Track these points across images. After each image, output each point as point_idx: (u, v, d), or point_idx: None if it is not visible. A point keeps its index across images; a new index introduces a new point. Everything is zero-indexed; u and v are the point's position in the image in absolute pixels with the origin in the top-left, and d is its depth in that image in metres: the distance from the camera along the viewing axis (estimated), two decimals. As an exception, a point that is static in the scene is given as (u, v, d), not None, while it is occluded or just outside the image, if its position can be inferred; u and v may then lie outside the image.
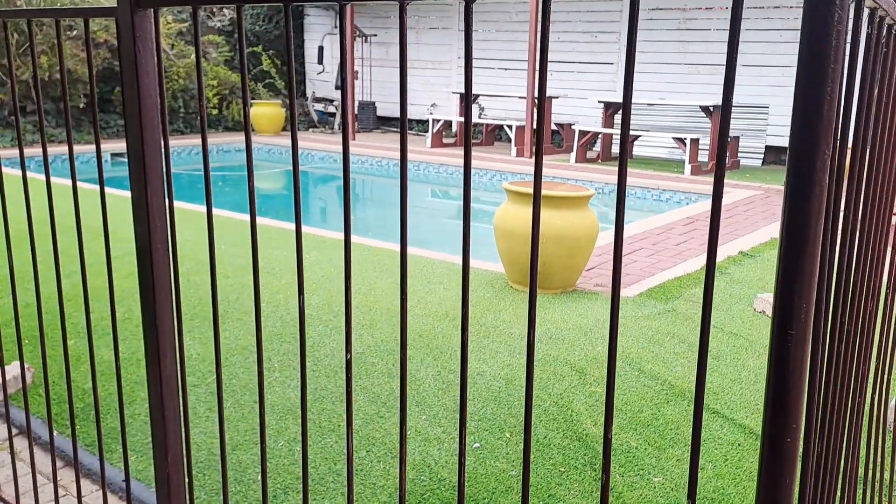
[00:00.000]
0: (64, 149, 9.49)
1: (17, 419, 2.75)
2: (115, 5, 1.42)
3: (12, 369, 2.87)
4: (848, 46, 0.90)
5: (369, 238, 5.50)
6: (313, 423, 2.80)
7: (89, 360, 1.77)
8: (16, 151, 9.67)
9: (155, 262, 1.55)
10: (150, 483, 2.41)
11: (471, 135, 1.08)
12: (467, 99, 1.11)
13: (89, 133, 10.41)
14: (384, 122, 14.43)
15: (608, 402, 1.04)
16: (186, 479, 1.63)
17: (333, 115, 14.27)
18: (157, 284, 1.56)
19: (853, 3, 0.88)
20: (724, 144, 0.87)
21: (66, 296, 2.75)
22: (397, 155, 11.01)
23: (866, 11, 1.02)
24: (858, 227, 1.20)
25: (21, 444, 2.58)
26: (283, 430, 2.73)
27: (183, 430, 1.61)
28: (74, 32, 10.16)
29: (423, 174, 10.45)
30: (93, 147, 10.04)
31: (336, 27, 14.63)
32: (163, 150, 1.50)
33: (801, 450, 0.92)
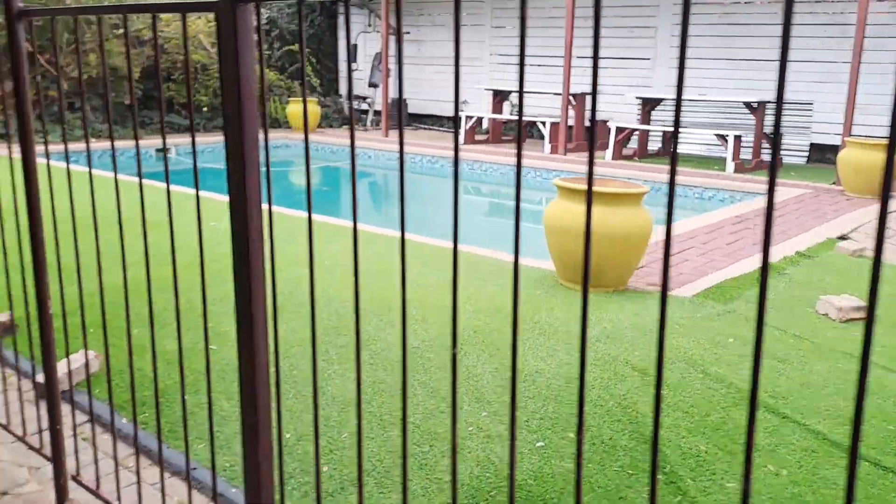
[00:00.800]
0: (108, 144, 9.61)
1: (84, 406, 2.78)
2: (214, -1, 1.41)
3: (79, 357, 2.91)
4: None
5: (410, 233, 5.48)
6: (374, 416, 2.78)
7: (204, 348, 1.77)
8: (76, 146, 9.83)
9: (252, 253, 1.55)
10: (218, 472, 2.41)
11: (595, 137, 1.04)
12: (594, 99, 1.07)
13: (132, 129, 10.58)
14: (415, 119, 14.42)
15: (752, 401, 1.00)
16: (278, 470, 1.62)
17: (366, 112, 14.30)
18: (252, 275, 1.55)
19: None
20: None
21: (129, 287, 2.76)
22: (431, 151, 10.99)
23: None
24: None
25: (81, 431, 2.59)
26: (346, 422, 2.72)
27: (276, 418, 1.59)
28: (120, 31, 10.28)
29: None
30: (133, 143, 10.14)
31: (370, 25, 14.64)
32: (259, 142, 1.50)
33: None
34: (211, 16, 11.76)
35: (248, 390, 1.62)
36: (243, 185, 1.52)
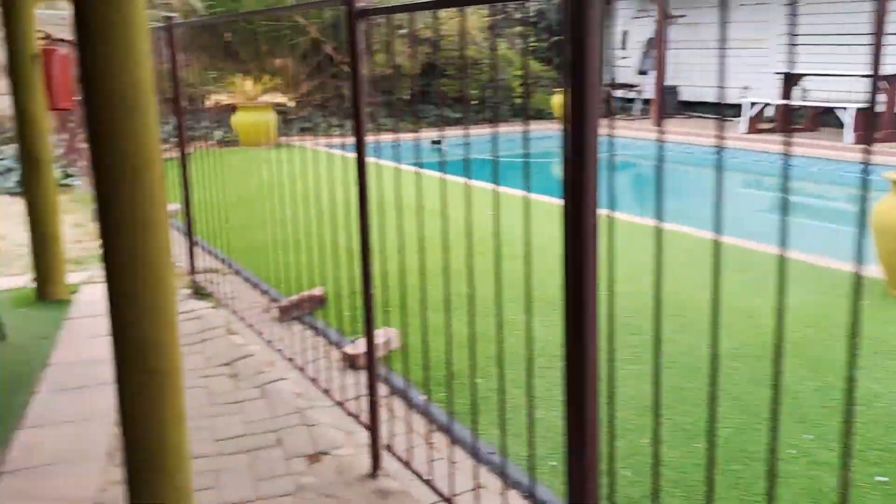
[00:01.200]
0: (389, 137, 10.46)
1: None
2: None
3: (384, 334, 3.11)
4: None
5: (690, 227, 5.11)
6: (675, 425, 2.59)
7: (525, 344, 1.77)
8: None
9: (585, 242, 1.48)
10: (514, 460, 2.40)
11: None
12: None
13: (411, 122, 11.43)
14: (687, 107, 13.55)
15: None
16: (606, 465, 1.53)
17: (633, 101, 13.80)
18: (584, 267, 1.49)
19: None
20: None
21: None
22: (703, 140, 10.24)
23: None
24: None
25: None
26: (645, 426, 2.56)
27: (606, 410, 1.50)
28: (403, 31, 11.09)
29: (739, 162, 9.58)
30: (412, 135, 10.88)
31: (641, 11, 14.06)
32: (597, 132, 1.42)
33: None
34: (484, 10, 12.18)
35: (575, 384, 1.55)
36: (581, 173, 1.46)
